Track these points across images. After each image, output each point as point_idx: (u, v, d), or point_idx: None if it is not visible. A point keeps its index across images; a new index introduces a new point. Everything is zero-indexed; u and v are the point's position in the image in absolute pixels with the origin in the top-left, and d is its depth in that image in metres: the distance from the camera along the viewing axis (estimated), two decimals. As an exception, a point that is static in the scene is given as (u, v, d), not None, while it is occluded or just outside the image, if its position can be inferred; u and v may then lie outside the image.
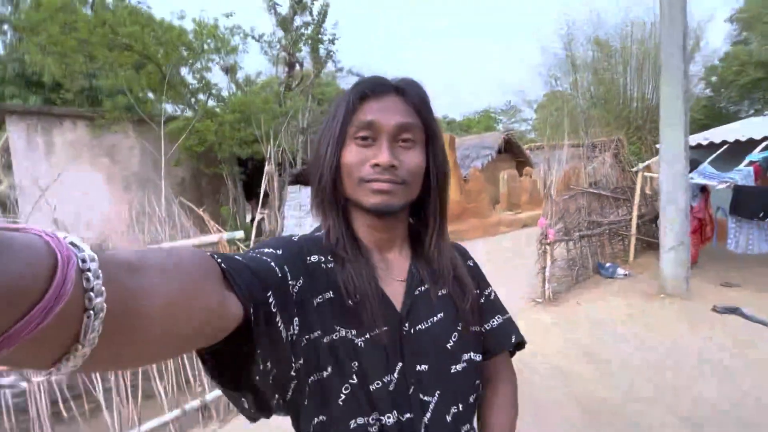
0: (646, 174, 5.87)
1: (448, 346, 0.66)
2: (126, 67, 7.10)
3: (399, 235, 0.70)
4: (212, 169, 8.72)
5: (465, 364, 0.67)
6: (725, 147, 6.02)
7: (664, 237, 4.63)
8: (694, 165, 5.33)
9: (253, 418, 0.53)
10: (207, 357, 0.45)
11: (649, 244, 6.37)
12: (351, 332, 0.59)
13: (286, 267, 0.55)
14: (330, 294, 0.60)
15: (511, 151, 16.54)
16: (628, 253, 6.18)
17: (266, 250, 0.57)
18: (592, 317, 4.17)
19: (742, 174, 4.84)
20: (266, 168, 3.52)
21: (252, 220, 13.34)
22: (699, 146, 6.51)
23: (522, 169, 15.87)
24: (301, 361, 0.55)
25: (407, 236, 0.72)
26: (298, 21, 8.57)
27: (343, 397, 0.58)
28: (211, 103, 8.44)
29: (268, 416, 0.53)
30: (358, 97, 0.62)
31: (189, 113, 8.13)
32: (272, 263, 0.53)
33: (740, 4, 17.88)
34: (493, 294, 0.78)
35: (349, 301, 0.59)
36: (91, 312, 0.25)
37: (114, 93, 7.71)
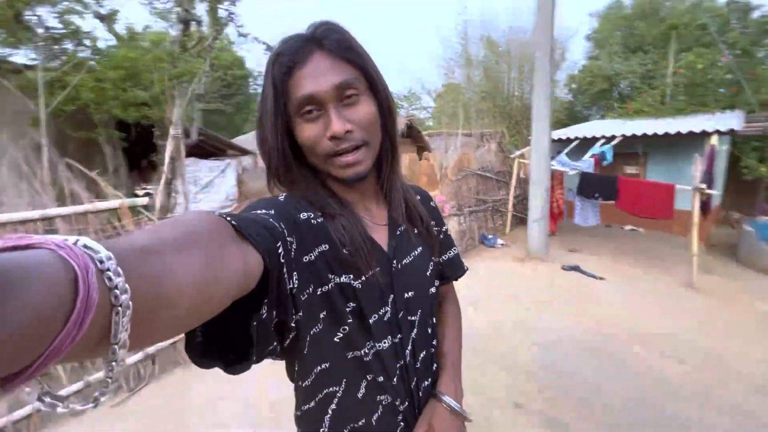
0: (520, 161, 6.99)
1: (427, 273, 0.77)
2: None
3: (372, 184, 0.73)
4: (82, 133, 7.46)
5: (434, 288, 0.78)
6: (576, 142, 7.51)
7: (532, 211, 5.68)
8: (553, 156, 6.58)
9: (234, 371, 0.51)
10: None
11: (522, 219, 7.64)
12: (349, 277, 0.63)
13: (282, 224, 0.55)
14: (324, 246, 0.61)
15: (412, 136, 17.50)
16: (505, 226, 7.33)
17: (259, 211, 0.57)
18: (474, 277, 4.97)
19: (586, 164, 6.16)
20: (172, 131, 3.27)
21: (135, 196, 11.81)
22: (559, 140, 7.96)
23: (421, 154, 17.03)
24: (301, 314, 0.58)
25: (378, 183, 0.75)
26: (195, -26, 7.71)
27: (340, 337, 0.63)
28: (82, 55, 7.17)
29: (248, 367, 0.51)
30: (284, 72, 0.59)
31: (52, 65, 6.78)
32: (271, 220, 0.54)
33: (595, 25, 21.57)
34: (447, 231, 0.89)
35: (344, 250, 0.62)
36: (119, 308, 0.25)
37: None
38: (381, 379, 0.67)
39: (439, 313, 0.85)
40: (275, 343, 0.56)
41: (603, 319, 3.74)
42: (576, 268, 5.23)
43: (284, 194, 0.67)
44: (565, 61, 19.79)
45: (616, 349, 3.18)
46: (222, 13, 8.71)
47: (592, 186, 5.79)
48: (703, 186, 4.83)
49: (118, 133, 7.78)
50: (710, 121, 7.11)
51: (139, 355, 2.72)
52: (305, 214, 0.63)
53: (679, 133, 6.49)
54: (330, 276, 0.61)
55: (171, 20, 8.33)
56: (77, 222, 2.84)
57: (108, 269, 0.25)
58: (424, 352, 0.74)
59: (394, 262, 0.70)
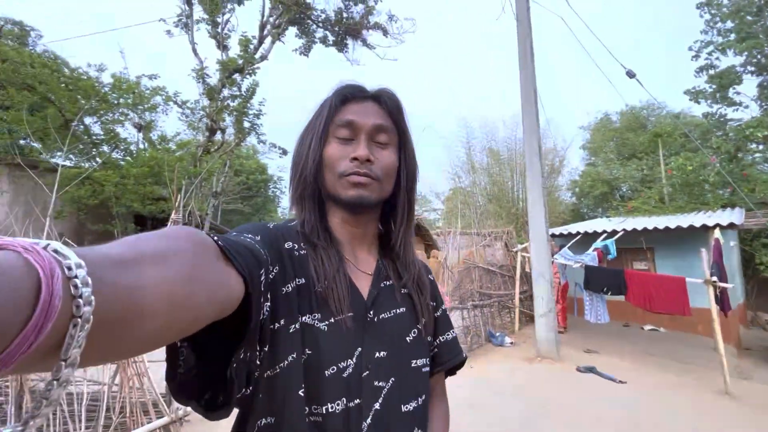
0: (523, 254, 6.92)
1: (408, 339, 0.67)
2: (18, 107, 6.55)
3: (369, 232, 0.72)
4: (101, 226, 7.88)
5: (420, 363, 0.68)
6: (578, 236, 7.50)
7: (537, 305, 5.40)
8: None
9: (215, 417, 0.49)
10: (185, 349, 0.44)
11: (531, 317, 7.23)
12: (315, 317, 0.58)
13: (266, 251, 0.54)
14: (300, 280, 0.60)
15: (420, 234, 17.85)
16: (513, 324, 6.90)
17: (245, 235, 0.56)
18: (480, 377, 4.50)
19: (590, 257, 6.05)
20: (173, 216, 3.40)
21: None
22: (561, 235, 7.99)
23: (430, 252, 17.13)
24: (266, 349, 0.54)
25: (376, 237, 0.74)
26: (225, 92, 8.99)
27: (293, 390, 0.56)
28: (116, 155, 7.98)
29: (227, 414, 0.49)
30: (340, 100, 0.67)
31: (86, 166, 7.54)
32: (257, 246, 0.52)
33: (588, 137, 23.46)
34: (445, 311, 0.82)
35: (318, 287, 0.60)
36: (78, 319, 0.23)
37: None
38: None
39: (430, 407, 0.74)
40: (243, 388, 0.53)
41: (624, 429, 3.22)
42: (592, 370, 4.73)
43: (273, 223, 0.67)
44: (564, 167, 21.09)
45: (643, 467, 2.67)
46: (246, 124, 9.89)
47: (599, 279, 5.59)
48: (714, 279, 4.61)
49: (133, 225, 8.16)
50: (711, 217, 7.12)
51: (84, 455, 2.39)
52: (290, 244, 0.63)
53: (680, 228, 6.47)
54: (296, 313, 0.57)
55: (200, 129, 9.47)
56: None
57: (75, 276, 0.24)
58: None
59: (371, 312, 0.64)
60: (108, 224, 7.85)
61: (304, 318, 0.58)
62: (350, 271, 0.66)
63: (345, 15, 9.89)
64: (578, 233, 7.65)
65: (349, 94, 0.68)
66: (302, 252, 0.63)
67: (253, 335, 0.48)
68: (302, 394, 0.55)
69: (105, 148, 7.94)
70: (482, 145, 20.81)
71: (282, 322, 0.56)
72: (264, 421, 0.56)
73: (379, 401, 0.60)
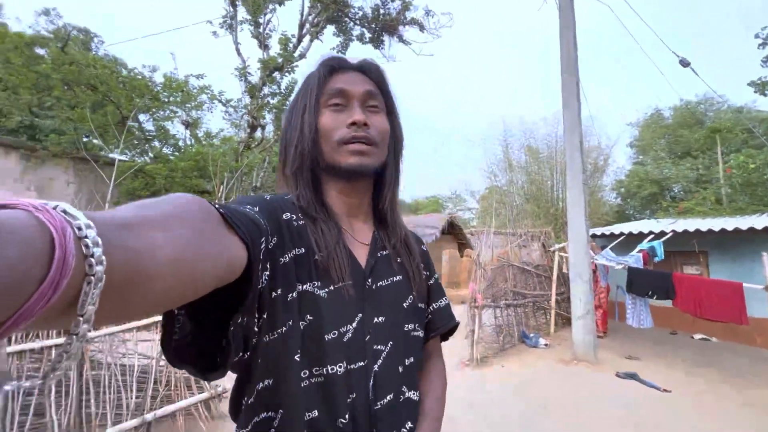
0: (560, 254, 6.67)
1: (404, 305, 0.70)
2: (83, 105, 7.15)
3: (365, 202, 0.74)
4: (152, 217, 8.44)
5: (412, 328, 0.70)
6: (622, 237, 7.11)
7: (574, 307, 5.19)
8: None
9: (210, 378, 0.51)
10: (182, 316, 0.46)
11: (568, 319, 6.96)
12: (314, 284, 0.60)
13: (265, 221, 0.55)
14: (299, 250, 0.61)
15: (454, 233, 17.65)
16: (549, 325, 6.68)
17: (244, 206, 0.56)
18: (511, 378, 4.40)
19: (634, 258, 5.73)
20: (216, 202, 3.61)
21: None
22: (603, 235, 7.61)
23: (463, 251, 16.89)
24: (265, 316, 0.56)
25: (371, 207, 0.76)
26: (266, 90, 9.33)
27: (291, 354, 0.58)
28: (166, 150, 8.51)
29: (223, 374, 0.51)
30: (327, 71, 0.69)
31: (139, 160, 8.11)
32: (257, 215, 0.53)
33: (636, 134, 22.11)
34: (438, 279, 0.85)
35: (319, 255, 0.61)
36: (92, 278, 0.24)
37: (55, 134, 7.59)
38: (320, 414, 0.58)
39: (426, 368, 0.78)
40: (241, 352, 0.54)
41: (668, 439, 3.04)
42: (633, 376, 4.48)
43: (269, 195, 0.67)
44: (608, 166, 19.99)
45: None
46: (284, 120, 10.20)
47: (643, 282, 5.28)
48: (777, 285, 4.23)
49: (180, 217, 8.69)
50: (776, 220, 6.51)
51: (134, 422, 2.59)
52: (288, 214, 0.63)
53: (737, 230, 5.96)
54: (295, 281, 0.59)
55: (241, 126, 9.89)
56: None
57: (86, 237, 0.24)
58: (389, 396, 0.64)
59: (369, 280, 0.67)
60: (158, 215, 8.41)
61: (304, 286, 0.59)
62: (348, 242, 0.68)
63: (382, 11, 9.94)
64: (622, 234, 7.25)
65: (335, 65, 0.69)
66: (300, 222, 0.64)
67: (252, 302, 0.49)
68: (298, 359, 0.57)
69: (156, 143, 8.50)
70: (520, 143, 20.18)
71: (280, 290, 0.57)
72: (262, 384, 0.58)
73: (378, 363, 0.63)
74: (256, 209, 0.56)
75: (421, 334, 0.73)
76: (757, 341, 6.10)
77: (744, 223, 6.34)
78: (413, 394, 0.68)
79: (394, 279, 0.70)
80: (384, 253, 0.72)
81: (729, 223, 6.62)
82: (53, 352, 2.53)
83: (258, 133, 9.98)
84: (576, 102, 5.49)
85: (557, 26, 5.79)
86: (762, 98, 12.53)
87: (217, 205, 0.43)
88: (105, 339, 2.84)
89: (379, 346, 0.64)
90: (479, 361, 4.95)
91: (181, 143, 8.78)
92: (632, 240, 6.97)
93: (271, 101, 9.37)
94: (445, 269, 14.60)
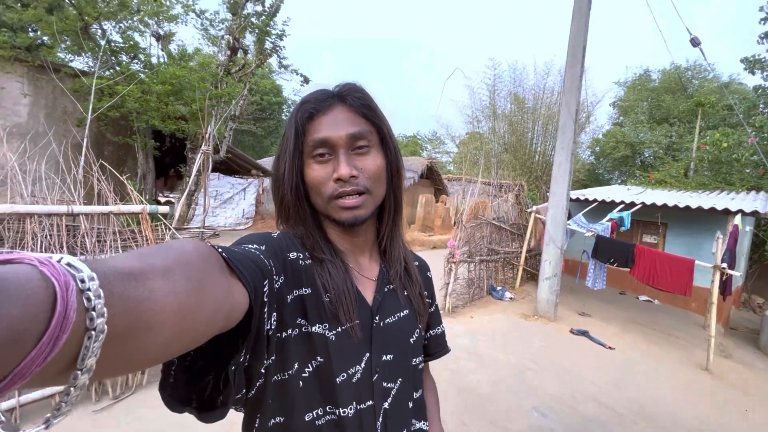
0: (537, 215, 6.98)
1: (411, 340, 0.71)
2: (37, 4, 6.21)
3: (369, 238, 0.73)
4: (120, 138, 7.90)
5: (417, 361, 0.74)
6: (594, 204, 7.48)
7: (543, 269, 5.59)
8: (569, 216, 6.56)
9: (210, 418, 0.49)
10: (176, 359, 0.45)
11: (532, 275, 7.51)
12: (323, 326, 0.60)
13: (271, 261, 0.55)
14: (306, 290, 0.61)
15: (432, 177, 17.78)
16: (515, 280, 7.19)
17: (250, 245, 0.56)
18: (479, 328, 4.83)
19: (603, 227, 6.10)
20: (203, 147, 3.44)
21: (157, 202, 12.18)
22: (578, 200, 7.95)
23: (439, 196, 17.21)
24: (273, 358, 0.56)
25: (376, 239, 0.75)
26: (249, 8, 8.39)
27: (302, 393, 0.59)
28: (135, 67, 7.71)
29: (223, 415, 0.49)
30: (306, 117, 0.64)
31: (106, 73, 7.33)
32: (261, 256, 0.53)
33: (621, 94, 22.10)
34: (437, 306, 0.88)
35: (326, 297, 0.61)
36: (92, 332, 0.24)
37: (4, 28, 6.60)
38: None
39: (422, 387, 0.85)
40: (244, 390, 0.53)
41: (607, 392, 3.55)
42: (585, 333, 5.04)
43: (277, 232, 0.66)
44: (589, 124, 20.16)
45: (618, 428, 2.99)
46: (268, 44, 9.37)
47: (607, 251, 5.69)
48: (724, 265, 4.70)
49: (153, 141, 8.17)
50: (734, 201, 7.00)
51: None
52: (294, 254, 0.62)
53: (700, 208, 6.40)
54: (304, 323, 0.59)
55: (220, 46, 9.00)
56: (99, 221, 2.95)
57: (88, 289, 0.24)
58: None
59: (377, 318, 0.67)
60: (127, 137, 7.87)
61: (313, 328, 0.60)
62: (355, 279, 0.68)
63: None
64: (595, 200, 7.60)
65: (313, 109, 0.64)
66: (307, 262, 0.63)
67: (259, 346, 0.50)
68: (311, 398, 0.59)
69: (124, 57, 7.65)
70: (508, 89, 19.72)
71: (289, 331, 0.58)
72: (274, 420, 0.59)
73: (389, 401, 0.66)
74: (263, 248, 0.56)
75: (422, 365, 0.77)
76: (692, 306, 6.90)
77: (707, 201, 6.80)
78: (423, 424, 0.73)
79: (401, 314, 0.71)
80: (391, 287, 0.72)
81: (693, 199, 7.06)
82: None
83: (239, 55, 9.16)
84: (579, 66, 5.36)
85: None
86: (749, 77, 12.66)
87: (219, 249, 0.43)
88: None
89: (388, 384, 0.66)
90: (450, 310, 5.36)
91: (153, 60, 7.95)
92: (602, 207, 7.36)
93: (255, 21, 8.49)
94: (420, 214, 14.95)
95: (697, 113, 12.76)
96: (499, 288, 6.57)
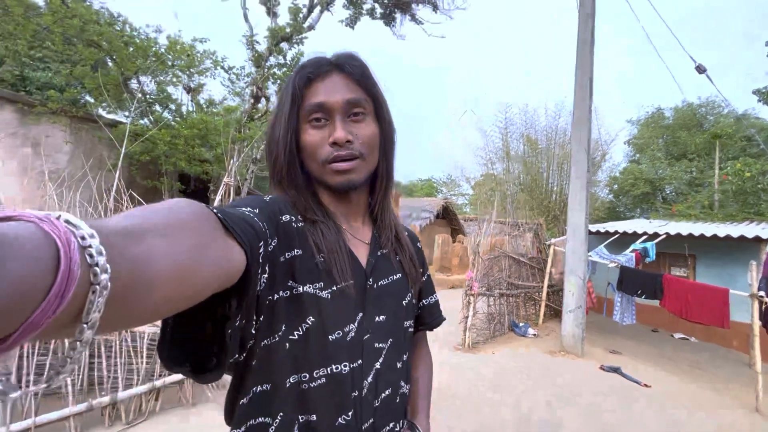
0: (556, 248, 6.83)
1: (404, 303, 0.73)
2: (84, 62, 6.91)
3: (362, 205, 0.74)
4: (149, 182, 8.35)
5: (408, 324, 0.75)
6: (616, 236, 7.29)
7: (566, 301, 5.37)
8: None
9: (205, 379, 0.50)
10: (171, 319, 0.45)
11: (556, 312, 7.19)
12: (317, 286, 0.61)
13: (265, 224, 0.55)
14: (298, 251, 0.61)
15: (448, 218, 17.81)
16: (538, 316, 6.90)
17: (244, 208, 0.55)
18: (502, 364, 4.59)
19: (627, 257, 5.90)
20: (225, 179, 3.61)
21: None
22: (597, 233, 7.78)
23: (456, 236, 17.10)
24: (262, 319, 0.56)
25: (368, 208, 0.76)
26: (272, 60, 9.09)
27: (289, 356, 0.59)
28: (167, 115, 8.33)
29: (219, 376, 0.50)
30: (304, 82, 0.65)
31: (141, 121, 7.92)
32: (255, 218, 0.53)
33: (634, 132, 22.19)
34: (429, 276, 0.88)
35: (320, 257, 0.61)
36: (97, 287, 0.24)
37: (46, 88, 7.33)
38: (320, 416, 0.60)
39: (415, 358, 0.84)
40: (237, 354, 0.53)
41: None
42: (617, 370, 4.71)
43: (270, 196, 0.67)
44: (605, 162, 20.12)
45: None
46: (288, 93, 10.00)
47: (634, 282, 5.47)
48: (762, 294, 4.42)
49: (179, 184, 8.58)
50: (765, 229, 6.72)
51: (144, 388, 2.68)
52: (287, 216, 0.63)
53: (729, 237, 6.15)
54: (294, 284, 0.59)
55: (244, 96, 9.67)
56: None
57: (90, 246, 0.24)
58: (388, 391, 0.68)
59: (370, 280, 0.68)
60: (155, 180, 8.31)
61: (306, 288, 0.60)
62: (349, 241, 0.68)
63: (396, -13, 9.65)
64: (616, 232, 7.42)
65: (311, 74, 0.65)
66: (300, 224, 0.63)
67: (250, 305, 0.50)
68: (298, 362, 0.59)
69: (157, 107, 8.29)
70: (520, 131, 20.10)
71: (280, 293, 0.58)
72: (259, 388, 0.59)
73: (380, 361, 0.66)
74: (256, 211, 0.56)
75: (412, 328, 0.78)
76: (733, 344, 6.41)
77: (735, 230, 6.54)
78: (406, 387, 0.74)
79: (394, 277, 0.72)
80: (384, 251, 0.73)
81: (720, 229, 6.81)
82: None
83: (261, 104, 9.79)
84: (587, 100, 5.50)
85: (576, 17, 5.72)
86: (765, 108, 12.62)
87: (215, 210, 0.43)
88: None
89: (380, 344, 0.67)
90: (470, 346, 5.13)
91: (183, 109, 8.57)
92: (625, 239, 7.16)
93: (277, 72, 9.15)
94: (437, 254, 14.81)
95: (715, 145, 12.63)
96: (521, 324, 6.31)
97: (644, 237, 6.73)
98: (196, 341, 0.47)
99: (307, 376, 0.60)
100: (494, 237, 8.47)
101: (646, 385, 4.37)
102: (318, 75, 0.65)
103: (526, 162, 19.41)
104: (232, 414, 0.62)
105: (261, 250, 0.50)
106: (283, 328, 0.59)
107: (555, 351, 5.24)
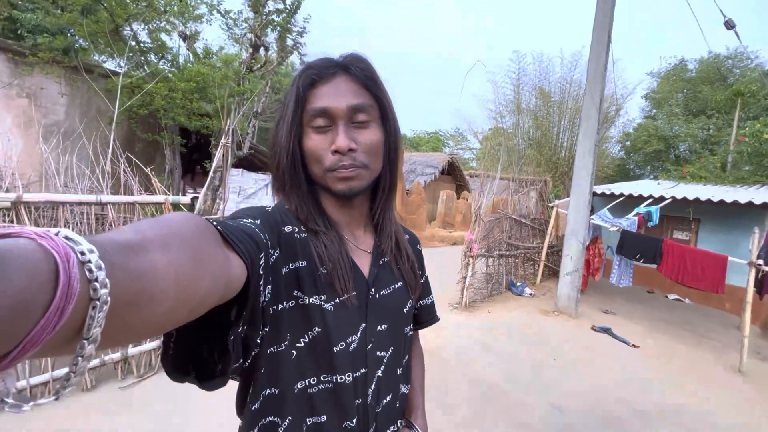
0: (559, 210, 6.79)
1: (404, 310, 0.75)
2: (73, 7, 6.54)
3: (364, 212, 0.74)
4: (149, 135, 8.24)
5: (408, 329, 0.78)
6: (621, 198, 7.20)
7: (564, 264, 5.44)
8: (591, 211, 6.36)
9: (210, 387, 0.50)
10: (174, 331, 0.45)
11: (554, 271, 7.32)
12: (320, 297, 0.61)
13: (266, 235, 0.55)
14: (301, 263, 0.61)
15: (453, 173, 17.61)
16: (536, 276, 7.04)
17: (245, 219, 0.56)
18: (497, 323, 4.76)
19: (629, 221, 5.87)
20: (222, 140, 3.54)
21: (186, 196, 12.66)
22: (603, 194, 7.68)
23: (460, 192, 17.03)
24: (267, 329, 0.57)
25: (370, 213, 0.76)
26: (270, 6, 8.54)
27: (295, 364, 0.61)
28: (162, 66, 8.01)
29: (223, 383, 0.51)
30: (308, 84, 0.63)
31: (136, 73, 7.64)
32: (256, 230, 0.53)
33: (654, 86, 21.10)
34: (427, 278, 0.91)
35: (323, 269, 0.62)
36: (96, 302, 0.24)
37: (39, 32, 6.98)
38: (328, 419, 0.63)
39: (409, 356, 0.87)
40: (241, 360, 0.55)
41: (629, 391, 3.43)
42: (607, 331, 4.88)
43: (272, 205, 0.67)
44: (619, 118, 19.37)
45: (638, 428, 2.88)
46: (289, 41, 9.51)
47: (634, 246, 5.48)
48: (760, 262, 4.43)
49: (180, 138, 8.46)
50: (775, 195, 6.58)
51: (153, 344, 2.83)
52: (290, 227, 0.63)
53: (736, 203, 6.05)
54: (301, 294, 0.60)
55: (243, 44, 9.21)
56: (125, 211, 3.10)
57: (89, 261, 0.24)
58: (389, 397, 0.70)
59: (373, 290, 0.69)
60: (156, 134, 8.19)
61: (310, 299, 0.61)
62: (351, 251, 0.68)
63: None
64: (622, 195, 7.32)
65: (315, 76, 0.63)
66: (303, 235, 0.64)
67: (255, 316, 0.51)
68: (305, 368, 0.62)
69: (152, 56, 7.95)
70: (533, 83, 19.19)
71: (284, 303, 0.59)
72: (269, 391, 0.61)
73: (381, 369, 0.68)
74: (257, 222, 0.56)
75: (411, 332, 0.80)
76: (726, 306, 6.55)
77: (743, 195, 6.42)
78: (406, 388, 0.77)
79: (395, 286, 0.74)
80: (385, 260, 0.73)
81: (729, 194, 6.68)
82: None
83: (261, 53, 9.34)
84: (604, 55, 5.16)
85: (600, -37, 5.22)
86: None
87: (215, 222, 0.43)
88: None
89: (381, 353, 0.69)
90: (467, 305, 5.30)
91: (180, 59, 8.22)
92: (630, 202, 7.08)
93: (276, 19, 8.63)
94: (441, 210, 14.86)
95: (737, 103, 12.01)
96: (519, 284, 6.45)
97: (649, 200, 6.64)
98: (199, 350, 0.49)
99: (315, 379, 0.62)
100: (498, 196, 8.41)
101: (634, 346, 4.55)
102: (323, 77, 0.63)
103: (537, 116, 18.75)
104: (242, 411, 0.66)
105: (262, 262, 0.50)
106: (289, 337, 0.60)
107: (549, 311, 5.41)
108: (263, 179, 13.13)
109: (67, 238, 0.25)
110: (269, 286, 0.54)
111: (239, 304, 0.46)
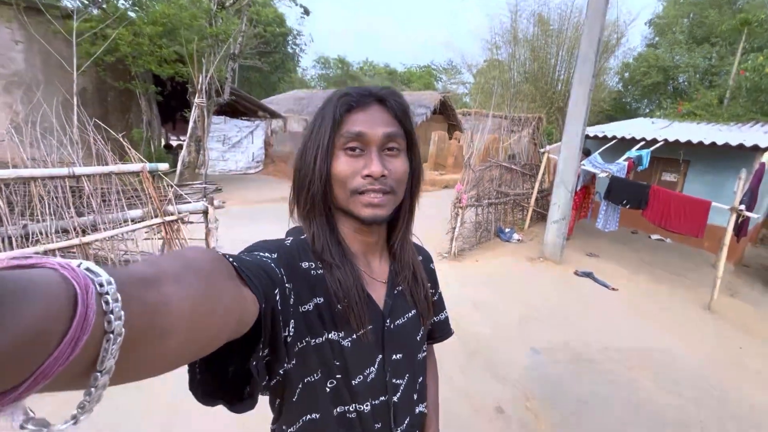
0: (550, 156, 6.71)
1: (418, 338, 0.77)
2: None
3: (381, 239, 0.75)
4: (122, 84, 7.70)
5: (422, 354, 0.80)
6: (614, 141, 7.11)
7: (552, 212, 5.51)
8: (587, 154, 6.29)
9: (241, 409, 0.53)
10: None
11: (543, 216, 7.44)
12: (339, 334, 0.64)
13: (282, 270, 0.57)
14: (319, 300, 0.64)
15: (445, 113, 17.03)
16: (525, 221, 7.16)
17: (262, 253, 0.58)
18: (483, 273, 4.94)
19: (619, 166, 5.85)
20: (196, 100, 3.32)
21: (168, 147, 12.20)
22: (596, 137, 7.56)
23: (453, 132, 16.62)
24: (294, 363, 0.60)
25: (386, 241, 0.77)
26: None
27: (329, 393, 0.65)
28: (123, 3, 7.26)
29: (252, 405, 0.53)
30: (345, 109, 0.65)
31: (95, 12, 6.92)
32: (272, 264, 0.55)
33: (659, 10, 19.78)
34: (440, 294, 0.93)
35: (339, 306, 0.64)
36: (110, 335, 0.25)
37: None
38: None
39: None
40: (267, 378, 0.59)
41: (606, 333, 3.68)
42: (589, 275, 5.10)
43: (290, 238, 0.69)
44: (620, 47, 18.41)
45: (612, 367, 3.14)
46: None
47: (621, 192, 5.52)
48: (742, 207, 4.52)
49: (153, 86, 7.96)
50: (767, 135, 6.52)
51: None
52: (306, 263, 0.65)
53: (727, 145, 6.01)
54: (322, 330, 0.63)
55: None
56: (102, 182, 2.99)
57: (107, 293, 0.25)
58: (407, 419, 0.74)
59: (388, 321, 0.71)
60: (127, 83, 7.67)
61: (329, 335, 0.63)
62: (366, 283, 0.70)
63: None
64: (614, 138, 7.21)
65: (354, 102, 0.65)
66: (319, 271, 0.65)
67: (278, 349, 0.55)
68: (335, 399, 0.65)
69: (111, -6, 7.17)
70: (531, 9, 17.87)
71: (309, 339, 0.62)
72: (309, 416, 0.65)
73: (398, 395, 0.72)
74: (274, 256, 0.58)
75: (424, 354, 0.82)
76: (704, 245, 6.81)
77: (735, 136, 6.35)
78: (422, 406, 0.80)
79: (410, 315, 0.75)
80: (400, 288, 0.75)
81: (721, 134, 6.61)
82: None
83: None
84: (606, -13, 4.74)
85: None
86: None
87: (230, 257, 0.44)
88: (106, 240, 2.95)
89: (397, 380, 0.72)
90: (455, 254, 5.45)
91: (141, -4, 7.43)
92: (622, 145, 6.99)
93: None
94: (432, 152, 14.60)
95: (743, 33, 11.39)
96: (507, 230, 6.58)
97: (641, 143, 6.56)
98: (225, 375, 0.51)
99: (343, 409, 0.67)
100: (491, 134, 8.20)
101: (614, 289, 4.79)
102: (359, 104, 0.66)
103: (535, 47, 17.74)
104: (277, 419, 0.70)
105: (278, 297, 0.53)
106: (320, 371, 0.64)
107: (535, 258, 5.59)
108: (247, 126, 12.65)
109: (88, 269, 0.26)
110: (292, 321, 0.57)
111: (253, 337, 0.47)
